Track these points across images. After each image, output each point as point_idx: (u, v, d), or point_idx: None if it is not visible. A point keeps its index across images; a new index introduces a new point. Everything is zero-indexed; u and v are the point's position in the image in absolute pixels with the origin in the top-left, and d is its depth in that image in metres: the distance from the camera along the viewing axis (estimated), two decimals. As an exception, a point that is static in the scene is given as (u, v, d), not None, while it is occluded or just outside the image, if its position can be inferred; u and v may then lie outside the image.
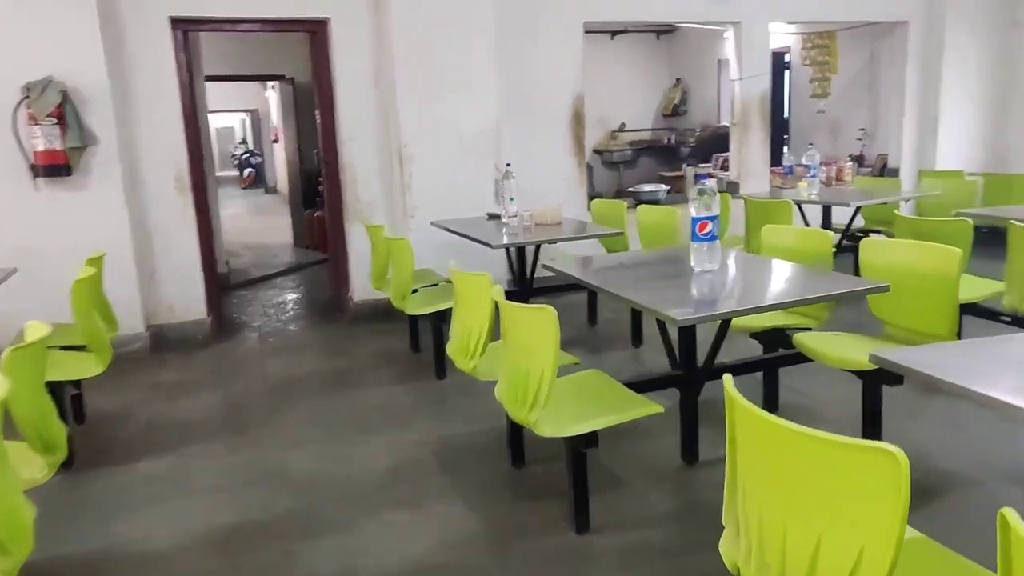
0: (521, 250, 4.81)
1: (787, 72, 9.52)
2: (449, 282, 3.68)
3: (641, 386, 3.20)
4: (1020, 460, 3.15)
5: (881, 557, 1.32)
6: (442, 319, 4.18)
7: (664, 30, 11.20)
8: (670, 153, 11.12)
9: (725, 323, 3.09)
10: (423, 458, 3.46)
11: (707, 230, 3.06)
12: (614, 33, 10.94)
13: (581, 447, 2.67)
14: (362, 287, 5.69)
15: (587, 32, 6.50)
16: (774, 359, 3.49)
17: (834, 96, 8.91)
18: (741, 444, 1.72)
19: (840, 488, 1.44)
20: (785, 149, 9.18)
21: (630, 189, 7.28)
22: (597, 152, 11.05)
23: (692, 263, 3.11)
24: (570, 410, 2.71)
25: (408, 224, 5.48)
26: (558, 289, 5.19)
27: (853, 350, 3.09)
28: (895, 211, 4.11)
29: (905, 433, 3.29)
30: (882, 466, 1.32)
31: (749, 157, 7.21)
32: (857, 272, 3.38)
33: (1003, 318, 3.59)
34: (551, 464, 3.22)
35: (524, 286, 4.87)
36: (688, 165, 7.81)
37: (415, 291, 4.55)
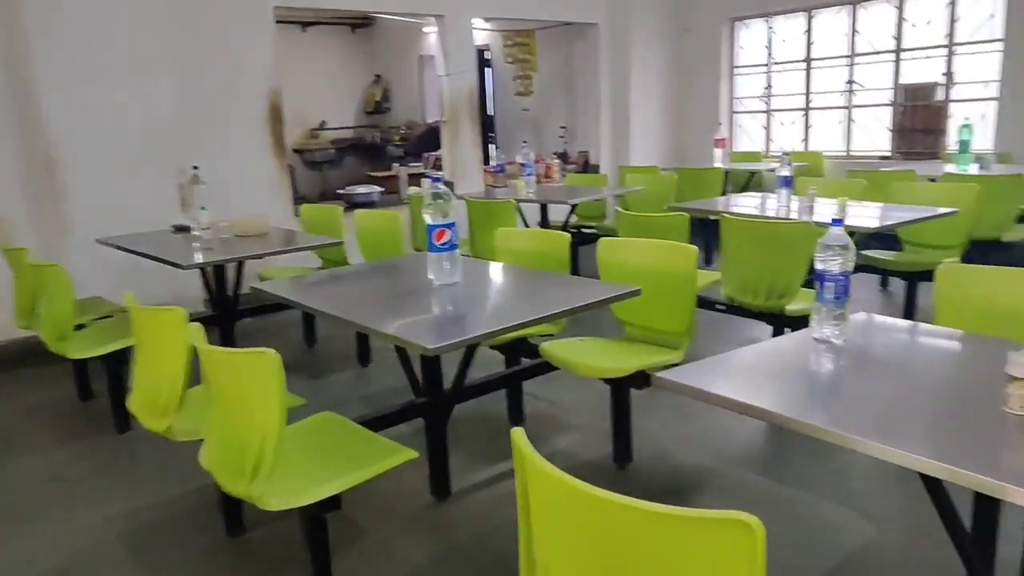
0: (221, 268, 4.08)
1: (488, 70, 9.59)
2: (125, 311, 2.91)
3: (382, 422, 2.77)
4: (749, 448, 3.23)
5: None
6: (121, 360, 3.35)
7: (360, 23, 10.77)
8: (376, 152, 10.74)
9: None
10: (108, 544, 2.68)
11: (445, 239, 2.70)
12: (305, 24, 10.26)
13: (321, 513, 2.16)
14: (3, 325, 4.51)
15: (278, 22, 5.83)
16: (521, 372, 3.24)
17: (536, 94, 9.14)
18: (542, 515, 1.35)
19: (681, 567, 1.14)
20: (492, 147, 9.28)
21: (341, 191, 6.73)
22: (297, 152, 10.32)
23: (431, 276, 2.73)
24: (303, 470, 2.18)
25: (65, 243, 4.43)
26: (269, 309, 4.55)
27: (602, 357, 2.94)
28: (619, 208, 4.10)
29: (647, 429, 3.24)
30: (735, 538, 1.05)
31: (462, 156, 7.05)
32: (576, 272, 3.27)
33: (718, 306, 3.70)
34: (277, 525, 2.66)
35: (227, 309, 4.15)
36: (400, 165, 7.47)
37: (80, 327, 3.63)
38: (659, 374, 1.70)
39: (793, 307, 3.32)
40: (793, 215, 3.91)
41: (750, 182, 7.00)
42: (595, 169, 8.03)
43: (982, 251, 4.34)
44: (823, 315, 1.84)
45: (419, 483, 2.89)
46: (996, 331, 1.96)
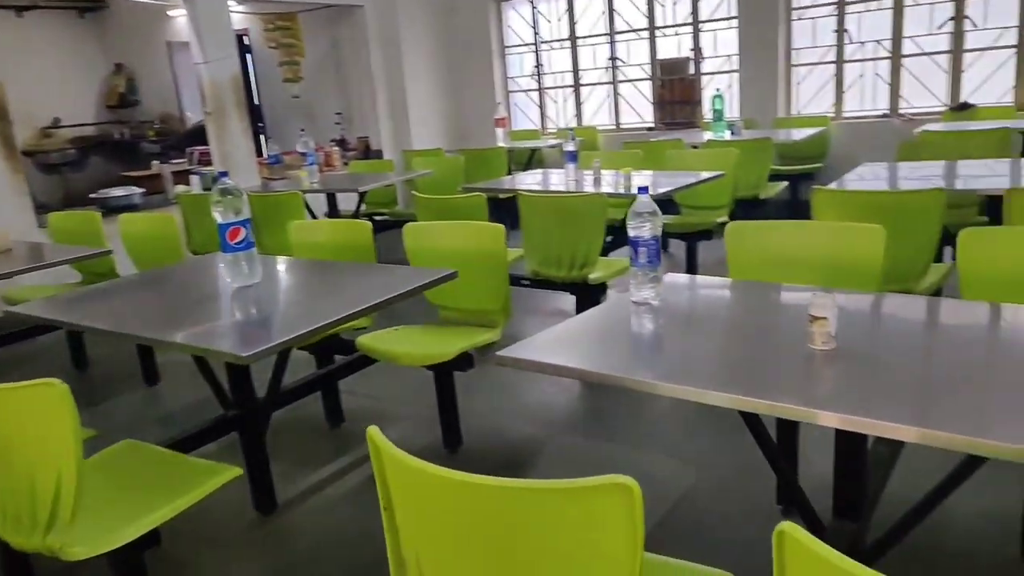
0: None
1: (249, 56, 9.04)
2: None
3: (192, 441, 2.52)
4: (571, 413, 3.34)
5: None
6: None
7: (89, 7, 9.65)
8: (128, 150, 9.75)
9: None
10: None
11: (240, 237, 2.50)
12: (20, 8, 9.01)
13: (137, 553, 1.92)
14: None
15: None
16: (339, 370, 3.09)
17: (305, 80, 8.76)
18: (409, 511, 1.29)
19: (565, 537, 1.13)
20: (262, 138, 8.77)
21: (93, 196, 6.01)
22: (28, 154, 9.08)
23: (227, 278, 2.52)
24: (110, 508, 1.92)
25: None
26: (19, 336, 3.97)
27: (422, 344, 2.88)
28: (416, 193, 4.03)
29: (473, 409, 3.24)
30: (615, 501, 1.06)
31: (232, 149, 6.58)
32: (379, 260, 3.16)
33: (524, 281, 3.77)
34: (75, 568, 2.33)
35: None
36: (161, 163, 6.82)
37: None
38: (500, 353, 1.69)
39: (595, 275, 3.46)
40: (585, 189, 4.07)
41: (531, 159, 7.22)
42: (378, 155, 7.87)
43: (745, 209, 4.81)
44: (639, 279, 1.91)
45: (240, 501, 2.68)
46: (780, 278, 2.16)
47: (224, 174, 2.53)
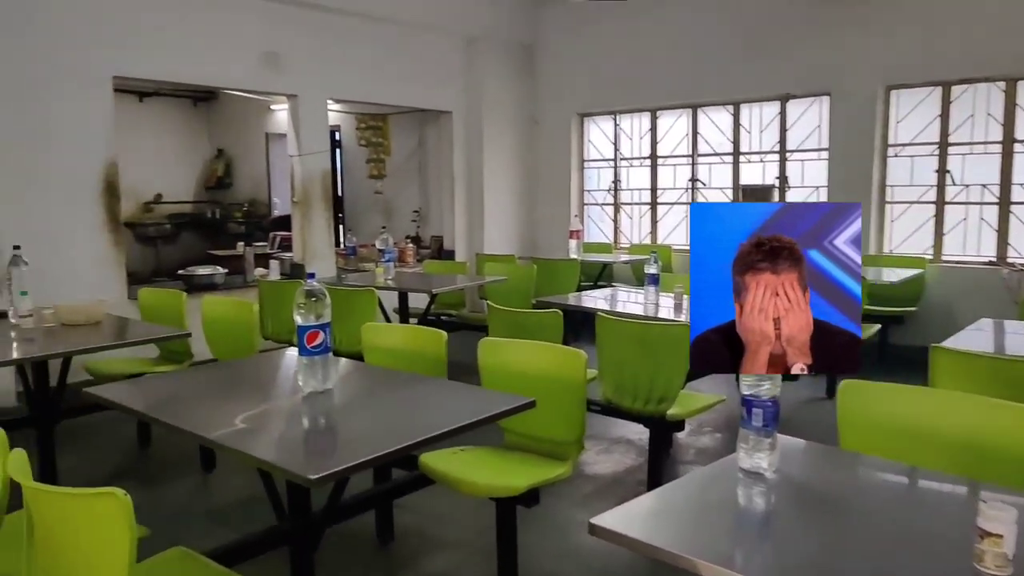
0: (43, 363, 3.54)
1: (338, 150, 9.41)
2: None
3: (241, 554, 2.42)
4: (633, 564, 3.11)
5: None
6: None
7: (202, 96, 10.30)
8: (216, 228, 10.15)
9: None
10: None
11: (318, 341, 2.45)
12: (143, 95, 9.67)
13: None
14: None
15: (116, 91, 5.40)
16: (398, 488, 2.98)
17: (388, 176, 9.04)
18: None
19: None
20: (341, 228, 9.01)
21: (181, 272, 6.19)
22: (129, 226, 9.54)
23: (300, 382, 2.47)
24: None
25: None
26: (94, 408, 3.99)
27: (486, 472, 2.74)
28: (490, 303, 3.99)
29: (524, 546, 3.02)
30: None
31: (313, 238, 6.75)
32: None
33: (594, 407, 3.62)
34: None
35: (47, 410, 3.59)
36: (245, 244, 7.04)
37: None
38: (600, 524, 1.49)
39: (673, 411, 3.30)
40: (663, 313, 3.97)
41: (603, 273, 7.18)
42: (450, 255, 7.96)
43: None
44: (751, 444, 1.70)
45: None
46: (904, 454, 1.86)
47: (311, 275, 2.51)
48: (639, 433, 4.09)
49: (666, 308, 4.11)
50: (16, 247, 3.54)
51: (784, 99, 6.83)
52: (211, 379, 2.93)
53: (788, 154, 6.90)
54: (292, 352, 3.05)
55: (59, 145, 5.05)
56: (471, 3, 7.59)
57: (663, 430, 3.49)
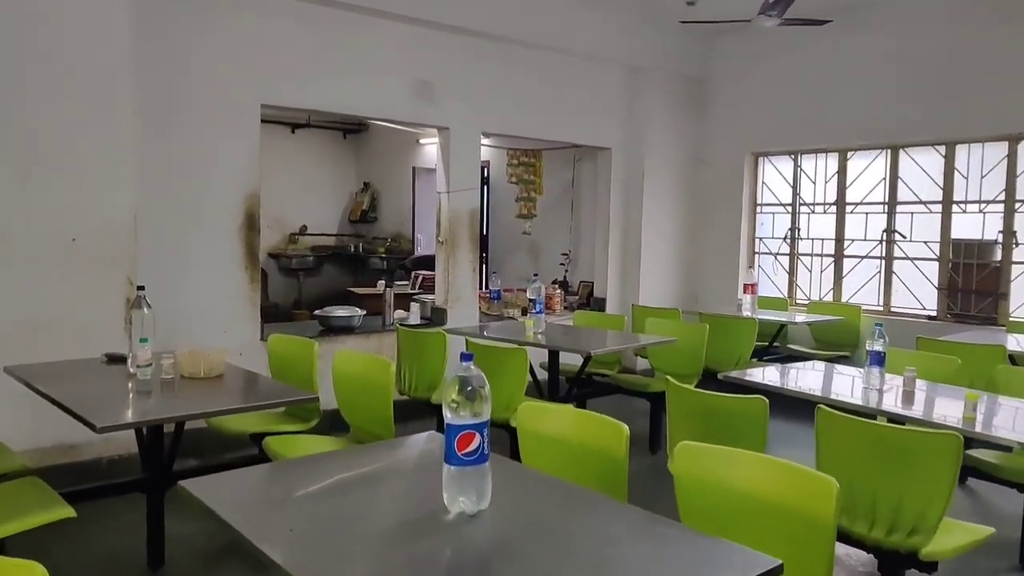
0: (158, 427, 3.13)
1: (486, 187, 8.99)
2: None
3: None
4: None
5: None
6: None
7: (352, 128, 10.24)
8: (358, 262, 9.99)
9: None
10: None
11: (473, 447, 1.80)
12: (295, 126, 9.71)
13: None
14: None
15: (264, 122, 5.13)
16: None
17: (537, 217, 8.51)
18: None
19: None
20: (484, 269, 8.53)
21: (318, 313, 5.85)
22: (273, 256, 9.54)
23: (445, 499, 1.83)
24: None
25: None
26: (215, 467, 3.57)
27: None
28: (670, 378, 3.25)
29: None
30: None
31: (457, 280, 6.25)
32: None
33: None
34: None
35: (157, 475, 3.18)
36: (387, 284, 6.65)
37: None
38: None
39: (930, 548, 2.43)
40: (887, 402, 3.11)
41: (779, 334, 6.26)
42: (600, 303, 7.27)
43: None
44: None
45: None
46: None
47: (468, 357, 1.86)
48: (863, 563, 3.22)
49: (891, 396, 3.24)
50: (140, 288, 3.18)
51: (1015, 140, 5.73)
52: (333, 483, 2.30)
53: (1017, 204, 5.76)
54: (434, 437, 2.45)
55: (204, 176, 4.80)
56: (638, 33, 6.96)
57: (898, 566, 2.61)
